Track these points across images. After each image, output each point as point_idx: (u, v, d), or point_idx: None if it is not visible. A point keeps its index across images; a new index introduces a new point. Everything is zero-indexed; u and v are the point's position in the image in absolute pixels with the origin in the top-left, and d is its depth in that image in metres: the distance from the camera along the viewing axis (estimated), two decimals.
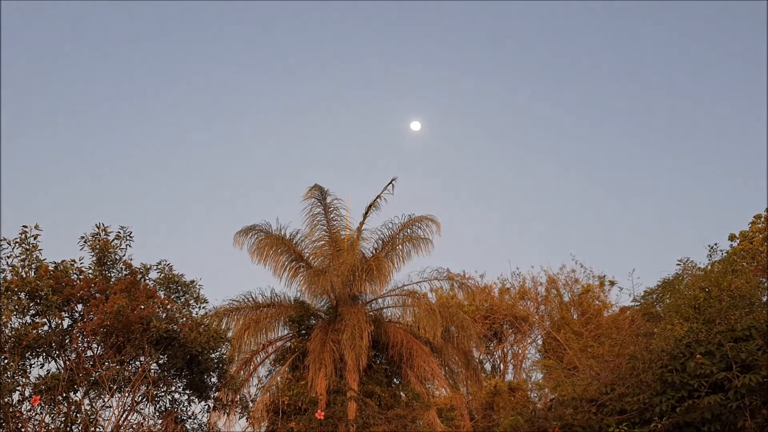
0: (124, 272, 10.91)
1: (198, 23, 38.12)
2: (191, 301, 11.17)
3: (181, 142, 39.86)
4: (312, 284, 17.57)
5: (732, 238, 21.32)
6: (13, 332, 9.20)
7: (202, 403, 11.26)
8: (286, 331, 18.74)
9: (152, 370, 10.32)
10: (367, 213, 19.45)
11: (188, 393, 11.09)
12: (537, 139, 41.84)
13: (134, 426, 9.80)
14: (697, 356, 9.87)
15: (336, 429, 15.96)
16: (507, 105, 40.61)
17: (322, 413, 13.66)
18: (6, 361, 9.08)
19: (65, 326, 10.02)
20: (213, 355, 10.98)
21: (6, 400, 8.78)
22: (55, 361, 9.81)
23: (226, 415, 12.40)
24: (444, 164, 42.61)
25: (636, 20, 38.78)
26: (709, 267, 16.65)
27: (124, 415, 9.59)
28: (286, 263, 18.73)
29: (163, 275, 11.09)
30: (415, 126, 32.16)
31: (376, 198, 19.41)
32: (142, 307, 9.96)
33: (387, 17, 38.57)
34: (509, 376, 28.35)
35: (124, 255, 10.97)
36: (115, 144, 39.20)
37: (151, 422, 9.95)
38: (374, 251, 19.11)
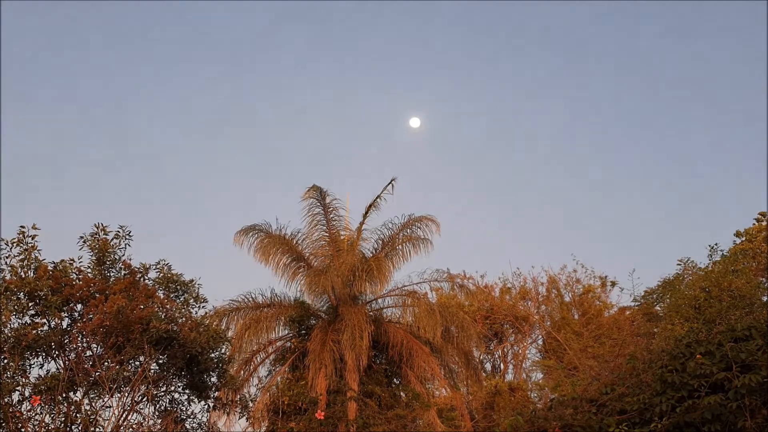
0: (124, 272, 10.91)
1: (197, 23, 38.15)
2: (191, 301, 11.16)
3: (181, 141, 39.89)
4: (312, 284, 17.56)
5: (738, 235, 21.24)
6: (13, 332, 9.20)
7: (202, 402, 11.26)
8: (286, 331, 18.74)
9: (152, 370, 10.31)
10: (366, 213, 19.46)
11: (188, 393, 11.09)
12: (537, 138, 41.84)
13: (134, 426, 9.80)
14: (697, 356, 9.86)
15: (336, 429, 15.96)
16: (507, 102, 40.62)
17: (322, 413, 13.65)
18: (6, 361, 9.08)
19: (65, 326, 10.03)
20: (213, 355, 10.98)
21: (6, 400, 8.78)
22: (55, 361, 9.81)
23: (226, 414, 12.41)
24: (444, 162, 42.59)
25: (636, 19, 38.78)
26: (710, 267, 16.62)
27: (124, 415, 9.59)
28: (286, 263, 18.75)
29: (162, 275, 11.09)
30: (415, 123, 32.12)
31: (376, 198, 19.42)
32: (142, 307, 9.96)
33: (386, 15, 38.58)
34: (509, 376, 28.35)
35: (123, 255, 10.98)
36: (115, 143, 39.23)
37: (150, 422, 9.94)
38: (374, 251, 19.12)
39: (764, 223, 20.37)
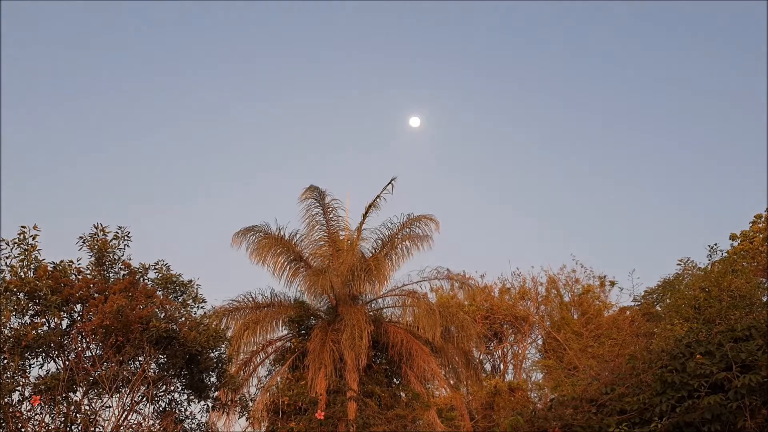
0: (123, 272, 10.90)
1: (196, 22, 38.13)
2: (189, 301, 11.15)
3: (180, 141, 39.88)
4: (312, 284, 17.56)
5: (733, 237, 21.30)
6: (13, 332, 9.18)
7: (202, 402, 11.25)
8: (285, 331, 18.73)
9: (152, 370, 10.31)
10: (366, 213, 19.44)
11: (188, 393, 11.08)
12: (537, 138, 41.87)
13: (134, 426, 9.78)
14: (697, 356, 9.87)
15: (336, 429, 15.97)
16: (507, 102, 40.64)
17: (322, 413, 13.65)
18: (6, 361, 9.07)
19: (64, 326, 10.01)
20: (212, 355, 10.97)
21: (6, 400, 8.76)
22: (55, 361, 9.80)
23: (225, 414, 12.39)
24: (444, 161, 42.64)
25: (637, 18, 38.79)
26: (710, 267, 16.64)
27: (124, 415, 9.58)
28: (286, 263, 18.73)
29: (161, 275, 11.07)
30: (414, 122, 32.21)
31: (376, 198, 19.41)
32: (141, 306, 9.95)
33: (386, 14, 38.58)
34: (509, 376, 28.35)
35: (122, 255, 10.96)
36: (114, 144, 39.22)
37: (150, 422, 9.93)
38: (374, 251, 19.11)
39: (762, 224, 20.37)
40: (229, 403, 11.74)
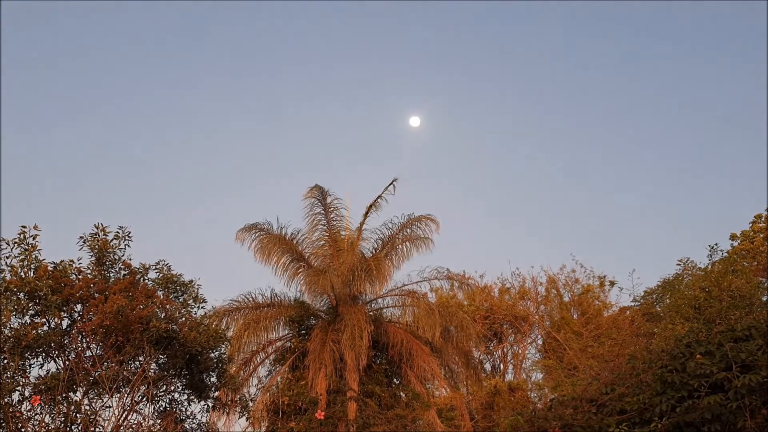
0: (123, 272, 10.88)
1: (197, 23, 38.14)
2: (190, 301, 11.14)
3: (180, 141, 39.88)
4: (312, 284, 17.57)
5: (733, 237, 21.32)
6: (13, 332, 9.17)
7: (202, 402, 11.24)
8: (286, 331, 18.74)
9: (152, 370, 10.30)
10: (367, 213, 19.45)
11: (188, 393, 11.08)
12: (537, 138, 41.87)
13: (134, 426, 9.78)
14: (697, 356, 9.87)
15: (336, 429, 15.97)
16: (508, 102, 40.65)
17: (322, 413, 13.65)
18: (6, 361, 9.06)
19: (64, 326, 10.00)
20: (212, 355, 10.97)
21: (6, 400, 8.75)
22: (55, 361, 9.79)
23: (225, 414, 12.39)
24: (443, 161, 42.67)
25: (635, 19, 38.80)
26: (710, 267, 16.65)
27: (124, 415, 9.57)
28: (287, 263, 18.74)
29: (161, 275, 11.06)
30: (415, 122, 32.25)
31: (377, 198, 19.43)
32: (142, 306, 9.94)
33: (386, 14, 38.58)
34: (509, 376, 28.34)
35: (123, 255, 10.94)
36: (114, 144, 39.22)
37: (150, 422, 9.93)
38: (374, 251, 19.12)
39: (762, 224, 20.39)
40: (229, 403, 11.73)
